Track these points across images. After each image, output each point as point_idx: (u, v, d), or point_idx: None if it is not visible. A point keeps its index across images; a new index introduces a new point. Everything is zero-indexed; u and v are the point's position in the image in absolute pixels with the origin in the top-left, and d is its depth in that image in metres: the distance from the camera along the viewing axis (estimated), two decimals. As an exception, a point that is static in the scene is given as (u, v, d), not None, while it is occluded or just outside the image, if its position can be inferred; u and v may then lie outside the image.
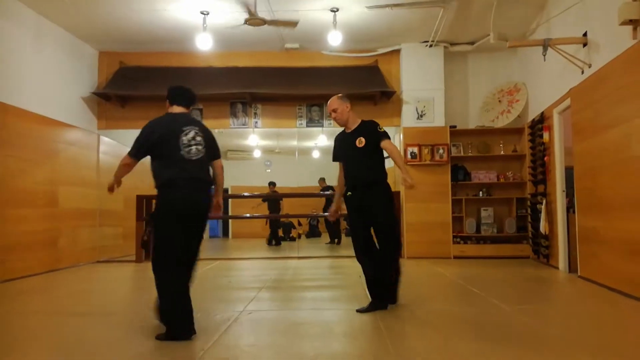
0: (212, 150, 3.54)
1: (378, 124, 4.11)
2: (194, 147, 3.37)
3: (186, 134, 3.37)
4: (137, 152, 3.41)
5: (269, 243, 11.91)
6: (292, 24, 7.13)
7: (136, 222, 8.05)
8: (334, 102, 4.14)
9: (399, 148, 6.60)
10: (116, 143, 8.81)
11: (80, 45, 7.93)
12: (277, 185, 12.40)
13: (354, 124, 4.16)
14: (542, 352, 2.88)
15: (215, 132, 12.06)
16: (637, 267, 4.34)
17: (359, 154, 4.04)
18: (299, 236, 14.30)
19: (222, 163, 3.68)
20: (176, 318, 3.19)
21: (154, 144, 3.34)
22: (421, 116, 8.23)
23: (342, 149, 4.21)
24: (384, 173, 4.10)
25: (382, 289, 4.05)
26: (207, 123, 8.92)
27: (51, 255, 6.91)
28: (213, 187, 3.60)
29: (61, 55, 7.40)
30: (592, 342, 3.15)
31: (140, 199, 8.00)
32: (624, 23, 4.33)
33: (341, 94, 4.26)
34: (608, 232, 4.97)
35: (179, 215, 3.28)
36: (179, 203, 3.28)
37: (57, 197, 7.09)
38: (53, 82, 7.19)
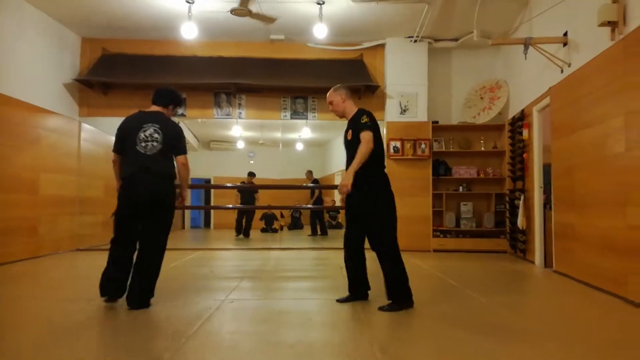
0: (171, 147, 3.82)
1: (364, 114, 3.87)
2: (150, 143, 3.70)
3: (145, 131, 3.71)
4: (116, 148, 3.82)
5: (245, 235, 11.72)
6: (271, 19, 7.20)
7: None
8: (329, 95, 4.09)
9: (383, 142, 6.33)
10: (97, 130, 8.73)
11: (62, 31, 7.82)
12: (261, 176, 12.28)
13: (350, 115, 4.04)
14: (516, 343, 2.98)
15: (199, 121, 11.90)
16: (611, 263, 4.47)
17: (349, 146, 3.95)
18: (281, 228, 14.32)
19: (185, 160, 3.91)
20: (105, 280, 3.72)
21: (123, 138, 3.75)
22: (404, 111, 8.31)
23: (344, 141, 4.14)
24: (371, 167, 3.83)
25: (362, 283, 4.07)
26: (190, 113, 8.96)
27: (32, 242, 6.86)
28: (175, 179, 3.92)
29: (43, 41, 7.28)
30: (565, 333, 3.25)
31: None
32: (602, 24, 4.44)
33: (339, 84, 4.16)
34: (583, 228, 5.10)
35: (136, 205, 3.68)
36: (135, 194, 3.67)
37: (38, 183, 7.02)
38: (35, 68, 7.08)
